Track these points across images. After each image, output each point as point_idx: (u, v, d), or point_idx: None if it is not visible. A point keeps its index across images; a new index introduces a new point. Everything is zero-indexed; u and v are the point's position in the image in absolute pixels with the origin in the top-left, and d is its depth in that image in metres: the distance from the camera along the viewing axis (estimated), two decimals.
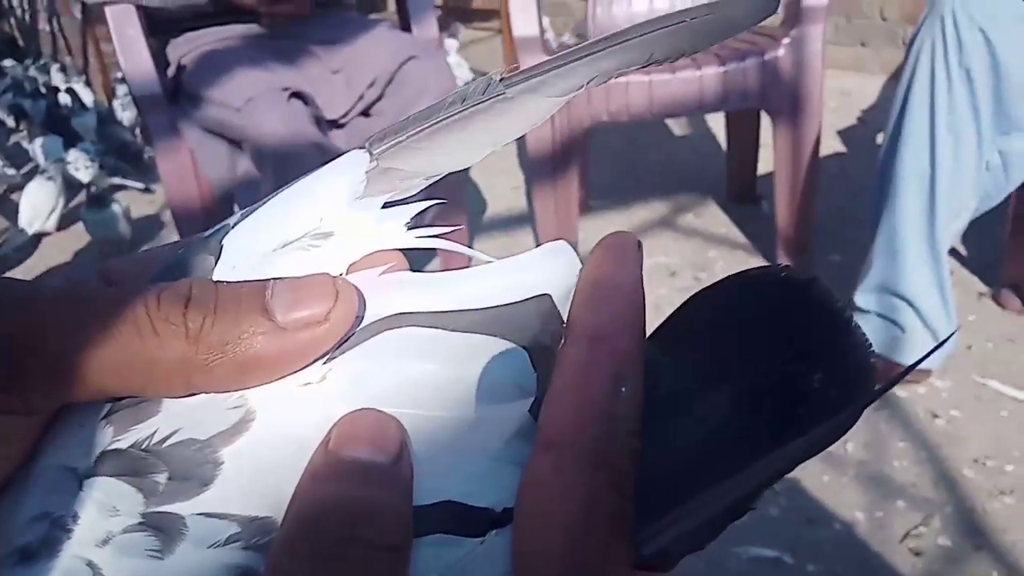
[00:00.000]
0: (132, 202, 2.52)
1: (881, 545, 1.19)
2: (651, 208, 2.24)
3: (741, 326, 0.18)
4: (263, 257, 0.19)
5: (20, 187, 2.53)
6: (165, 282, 0.18)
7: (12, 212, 2.44)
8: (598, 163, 2.37)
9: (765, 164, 2.11)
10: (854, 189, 2.11)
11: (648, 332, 0.18)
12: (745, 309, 0.18)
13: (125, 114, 2.88)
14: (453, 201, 1.93)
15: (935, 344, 1.52)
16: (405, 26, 1.92)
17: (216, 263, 0.19)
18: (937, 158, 1.39)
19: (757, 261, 1.97)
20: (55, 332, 0.16)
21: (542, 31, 1.86)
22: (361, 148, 0.20)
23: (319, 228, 0.19)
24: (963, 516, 1.23)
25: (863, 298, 1.51)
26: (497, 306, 0.18)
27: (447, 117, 0.19)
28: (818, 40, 1.74)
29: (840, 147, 2.51)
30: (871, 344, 0.17)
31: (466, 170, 0.20)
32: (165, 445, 0.17)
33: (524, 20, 1.81)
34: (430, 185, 0.20)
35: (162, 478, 0.16)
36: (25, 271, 2.24)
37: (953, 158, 1.39)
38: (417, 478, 0.17)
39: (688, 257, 2.02)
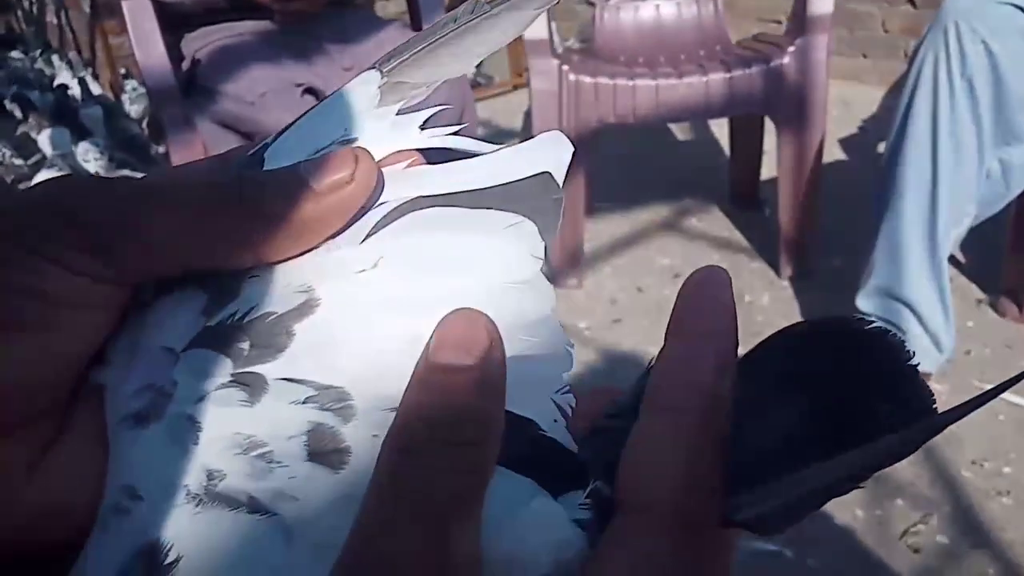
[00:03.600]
0: None
1: (881, 541, 1.22)
2: (655, 211, 2.26)
3: (819, 361, 0.20)
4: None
5: (27, 178, 2.54)
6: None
7: None
8: (604, 166, 2.40)
9: (767, 170, 2.14)
10: (854, 196, 2.13)
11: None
12: (824, 348, 0.20)
13: (133, 107, 2.89)
14: None
15: (935, 347, 1.52)
16: (416, 26, 1.95)
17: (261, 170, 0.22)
18: (939, 165, 1.42)
19: (759, 264, 2.00)
20: (139, 211, 0.19)
21: (551, 34, 1.89)
22: (372, 68, 0.23)
23: (344, 136, 0.22)
24: (961, 515, 1.25)
25: (865, 302, 1.53)
26: (505, 183, 0.21)
27: (443, 35, 0.22)
28: (822, 49, 1.77)
29: (841, 155, 2.54)
30: (932, 393, 0.19)
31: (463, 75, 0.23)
32: (246, 320, 0.19)
33: (534, 24, 1.84)
34: (433, 91, 0.23)
35: (245, 345, 0.19)
36: None
37: (954, 166, 1.42)
38: None
39: (691, 260, 2.05)
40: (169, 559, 0.18)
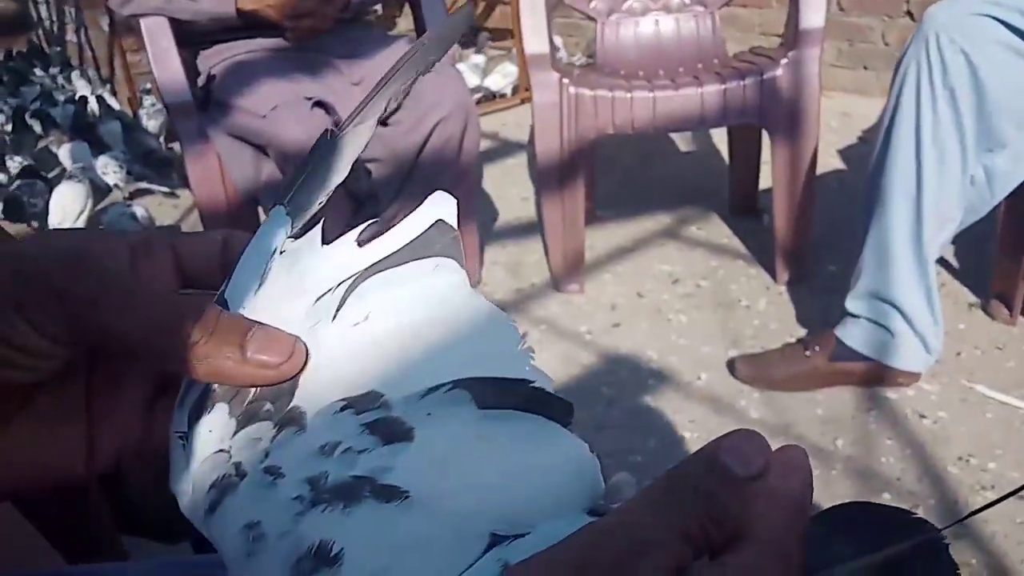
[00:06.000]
0: (157, 205, 2.62)
1: None
2: (656, 219, 2.32)
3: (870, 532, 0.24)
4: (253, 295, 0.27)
5: (46, 192, 2.62)
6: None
7: (39, 215, 2.53)
8: (605, 175, 2.46)
9: (767, 179, 2.19)
10: (852, 204, 2.18)
11: None
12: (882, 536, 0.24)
13: (151, 123, 2.98)
14: (464, 211, 2.01)
15: (923, 348, 1.55)
16: None
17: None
18: (923, 172, 1.47)
19: (756, 270, 2.05)
20: (112, 300, 0.26)
21: (553, 49, 1.95)
22: (276, 204, 0.29)
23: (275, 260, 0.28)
24: (946, 508, 1.29)
25: (854, 304, 1.58)
26: (415, 239, 0.27)
27: (313, 167, 0.28)
28: (815, 61, 1.83)
29: (840, 165, 2.59)
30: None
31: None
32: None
33: (535, 39, 1.90)
34: (330, 197, 0.29)
35: (267, 405, 0.25)
36: None
37: (938, 172, 1.46)
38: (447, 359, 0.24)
39: (691, 266, 2.10)
40: (335, 551, 0.21)
